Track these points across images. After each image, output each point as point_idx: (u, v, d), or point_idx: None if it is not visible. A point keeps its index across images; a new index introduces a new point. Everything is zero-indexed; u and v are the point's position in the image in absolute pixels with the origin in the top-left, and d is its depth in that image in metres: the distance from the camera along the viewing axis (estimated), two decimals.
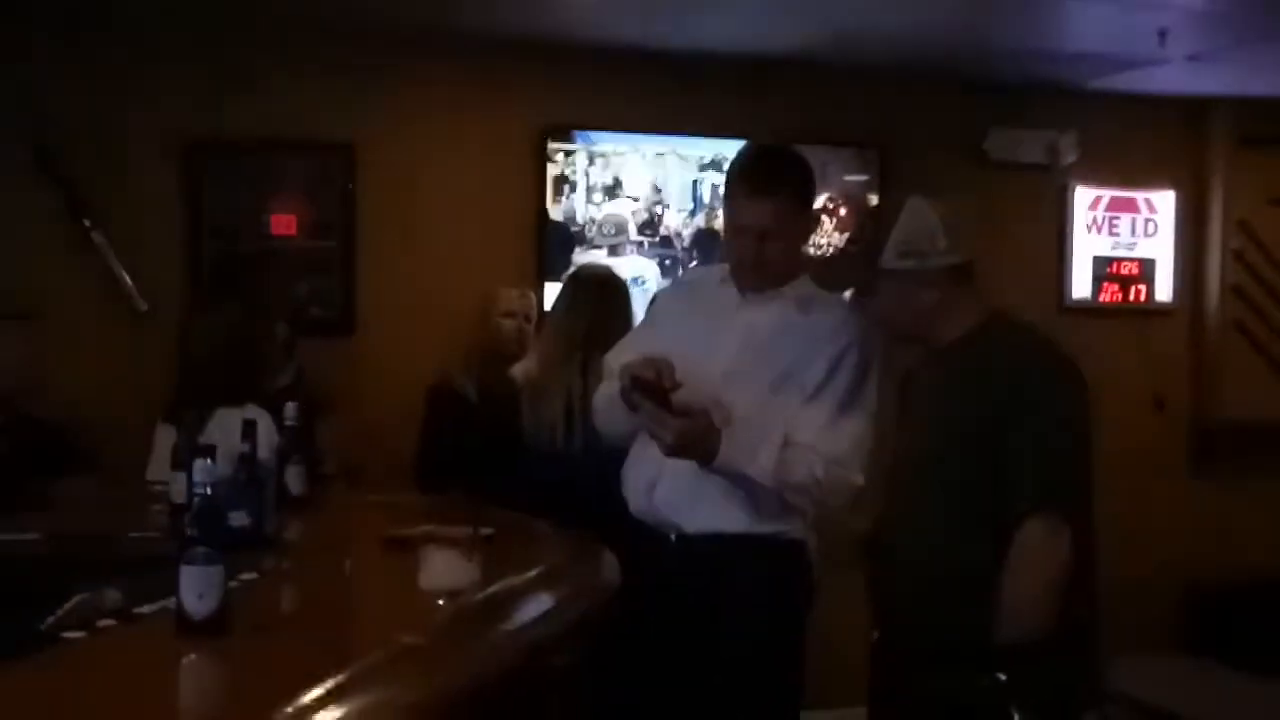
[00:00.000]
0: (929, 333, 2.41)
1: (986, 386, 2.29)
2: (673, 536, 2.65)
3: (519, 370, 3.39)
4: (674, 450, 2.48)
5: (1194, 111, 5.36)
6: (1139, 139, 5.37)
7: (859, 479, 2.56)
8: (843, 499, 2.54)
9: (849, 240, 2.45)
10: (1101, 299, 5.35)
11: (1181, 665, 4.70)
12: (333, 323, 4.56)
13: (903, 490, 2.43)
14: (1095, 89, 5.15)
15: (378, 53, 4.50)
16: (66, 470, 3.37)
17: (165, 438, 3.12)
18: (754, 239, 2.59)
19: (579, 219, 4.73)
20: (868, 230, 5.00)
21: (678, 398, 2.50)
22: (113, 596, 1.87)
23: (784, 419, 2.59)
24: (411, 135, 4.62)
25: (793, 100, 4.96)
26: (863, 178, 5.00)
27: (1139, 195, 5.39)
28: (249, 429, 2.42)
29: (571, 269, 4.03)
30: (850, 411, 2.59)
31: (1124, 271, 5.37)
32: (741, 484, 2.54)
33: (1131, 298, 5.38)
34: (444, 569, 1.83)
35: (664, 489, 2.64)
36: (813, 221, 2.70)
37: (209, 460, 1.70)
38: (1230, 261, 5.34)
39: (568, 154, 4.73)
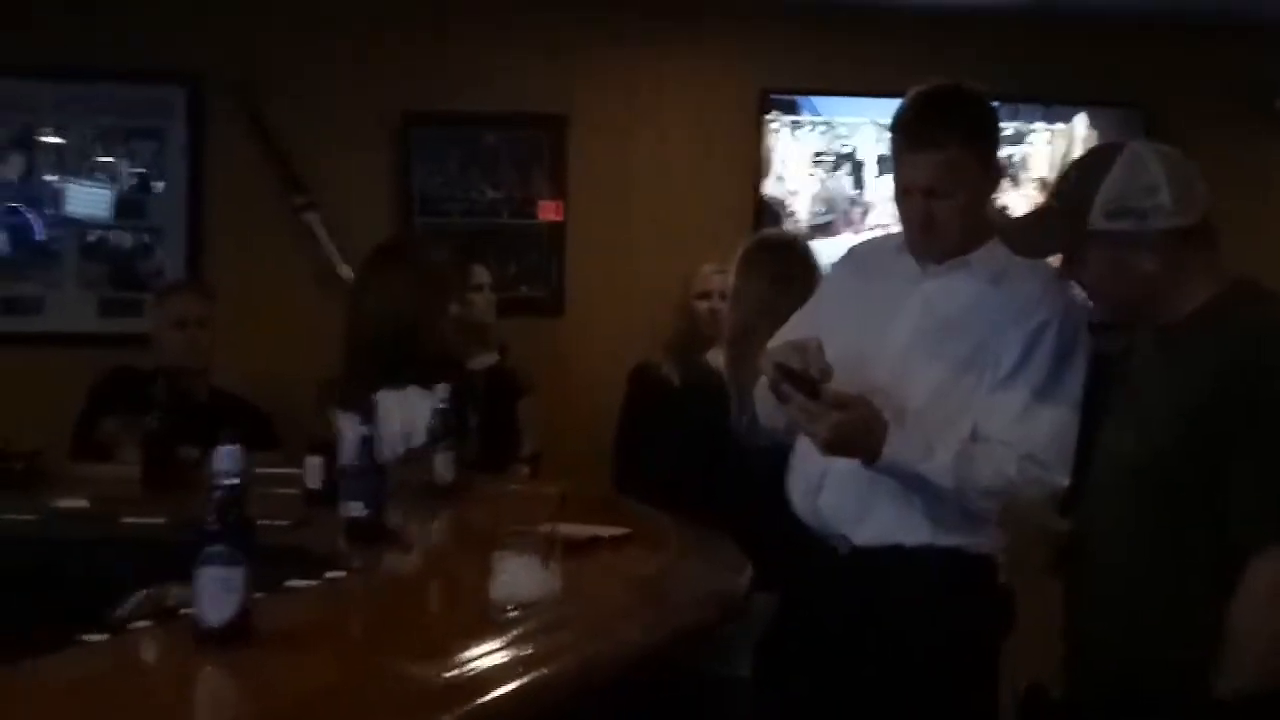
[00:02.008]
0: (1149, 308, 1.97)
1: (1215, 376, 1.84)
2: (842, 548, 2.32)
3: (714, 356, 3.11)
4: (830, 448, 2.15)
5: None
6: None
7: (1062, 479, 2.15)
8: (1048, 503, 2.14)
9: (1056, 194, 2.01)
10: None
11: None
12: (542, 302, 4.41)
13: (1104, 497, 2.01)
14: None
15: (590, 22, 4.31)
16: (254, 447, 3.32)
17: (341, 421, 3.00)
18: (920, 198, 2.22)
19: (795, 193, 4.40)
20: None
21: (838, 385, 2.17)
22: (177, 592, 1.72)
23: (970, 408, 2.22)
24: (624, 107, 4.42)
25: (1044, 56, 4.48)
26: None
27: None
28: (367, 412, 2.25)
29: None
30: (1050, 399, 2.19)
31: None
32: (917, 486, 2.18)
33: None
34: (515, 578, 1.59)
35: (830, 493, 2.31)
36: (996, 176, 2.29)
37: (237, 446, 1.51)
38: None
39: (788, 123, 4.41)
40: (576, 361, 4.39)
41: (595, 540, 2.09)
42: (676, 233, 4.37)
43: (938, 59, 4.40)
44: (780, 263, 2.98)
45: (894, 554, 2.24)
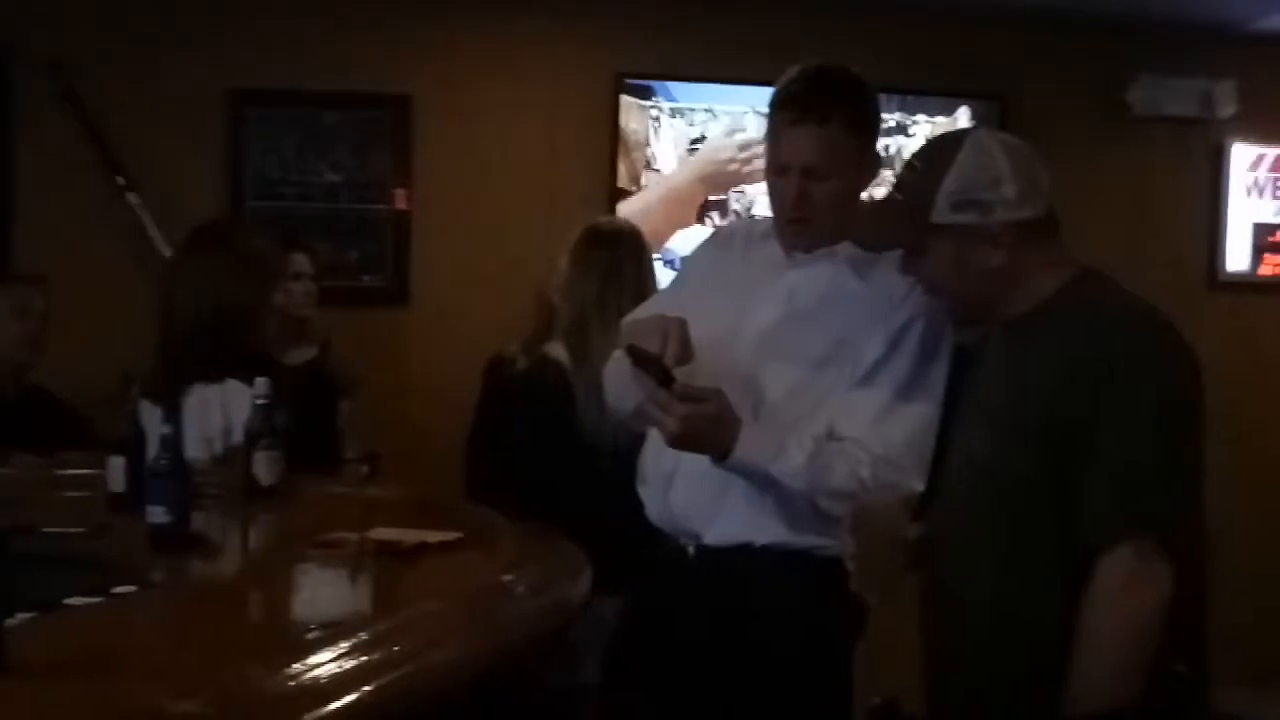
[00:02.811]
0: (994, 304, 1.88)
1: (1060, 371, 1.74)
2: (691, 548, 2.18)
3: (554, 347, 2.94)
4: (678, 441, 2.02)
5: None
6: None
7: (917, 483, 2.05)
8: (901, 507, 2.03)
9: (898, 185, 1.90)
10: (1262, 273, 4.67)
11: None
12: (385, 292, 4.19)
13: (954, 501, 1.90)
14: (1258, 30, 4.47)
15: None
16: (69, 444, 3.05)
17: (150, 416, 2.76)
18: (797, 178, 2.10)
19: (653, 181, 4.27)
20: None
21: (690, 376, 2.03)
22: None
23: (828, 406, 2.10)
24: (472, 88, 4.22)
25: (897, 46, 4.41)
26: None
27: None
28: (171, 409, 2.03)
29: None
30: (911, 399, 2.09)
31: None
32: (768, 486, 2.06)
33: None
34: (317, 593, 1.40)
35: (681, 490, 2.17)
36: (875, 164, 2.17)
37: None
38: None
39: (643, 109, 4.27)
40: (423, 355, 4.19)
41: (422, 546, 1.90)
42: (528, 220, 4.19)
43: (795, 46, 4.28)
44: (610, 254, 2.87)
45: (744, 554, 2.12)
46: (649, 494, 2.24)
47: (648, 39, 4.26)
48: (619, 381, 2.19)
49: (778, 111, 2.13)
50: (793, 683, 2.11)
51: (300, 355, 3.47)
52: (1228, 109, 4.55)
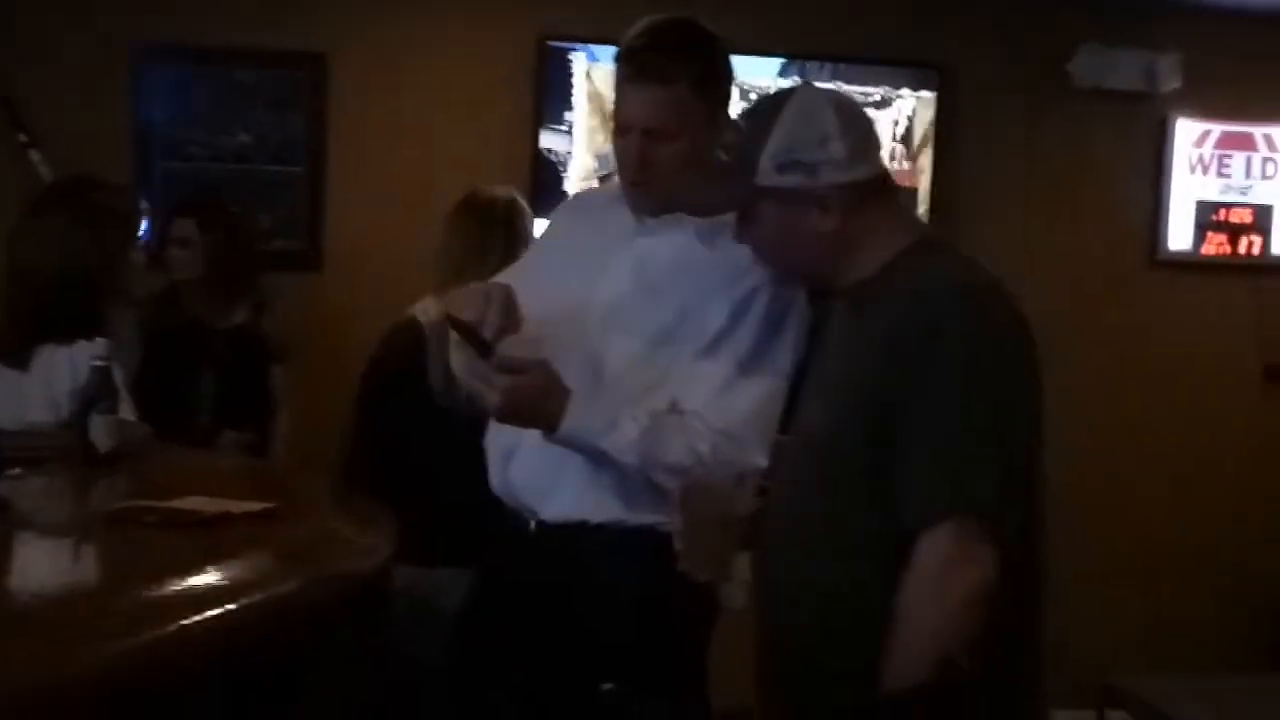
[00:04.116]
0: (829, 272, 1.78)
1: (886, 342, 1.65)
2: (532, 524, 2.09)
3: (421, 309, 2.85)
4: (502, 415, 1.92)
5: None
6: (1256, 62, 4.52)
7: (758, 459, 1.96)
8: (735, 484, 1.93)
9: (724, 146, 1.79)
10: (1205, 251, 4.56)
11: (1265, 688, 3.93)
12: (299, 256, 4.09)
13: (787, 477, 1.81)
14: (1204, 2, 4.35)
15: None
16: None
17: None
18: (639, 139, 2.00)
19: (575, 147, 4.15)
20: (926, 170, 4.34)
21: (538, 347, 1.95)
22: None
23: (671, 377, 2.01)
24: (391, 48, 4.10)
25: (834, 13, 4.30)
26: (884, 101, 4.32)
27: (1255, 130, 4.56)
28: None
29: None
30: (754, 372, 1.99)
31: (1234, 219, 4.56)
32: (601, 461, 1.96)
33: (1242, 250, 4.57)
34: (31, 563, 1.30)
35: (521, 463, 2.08)
36: (723, 121, 2.06)
37: None
38: None
39: (567, 71, 4.15)
40: (337, 321, 4.08)
41: (225, 517, 1.81)
42: (449, 186, 4.02)
43: (729, 10, 4.19)
44: (481, 224, 2.79)
45: (580, 532, 2.03)
46: (491, 468, 2.15)
47: (574, 1, 4.14)
48: (459, 356, 2.09)
49: (620, 68, 2.03)
50: (631, 662, 2.03)
51: (232, 319, 3.41)
52: (1172, 83, 4.43)
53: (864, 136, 1.74)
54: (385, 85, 4.10)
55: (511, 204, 2.90)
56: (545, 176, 4.11)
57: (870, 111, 4.27)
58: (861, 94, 4.28)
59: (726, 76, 2.07)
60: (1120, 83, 4.44)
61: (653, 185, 2.02)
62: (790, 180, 1.69)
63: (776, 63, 4.22)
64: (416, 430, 2.59)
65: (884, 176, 1.77)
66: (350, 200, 4.10)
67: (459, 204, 2.93)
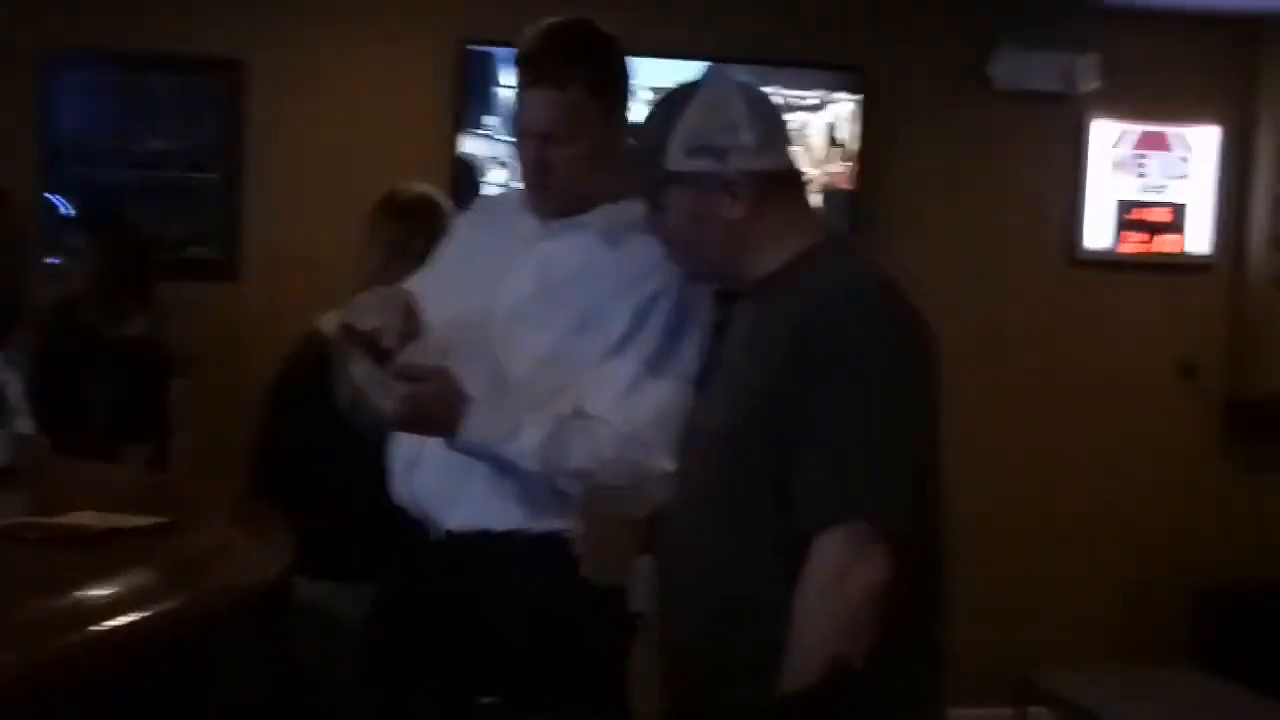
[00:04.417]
0: (736, 265, 1.77)
1: (786, 341, 1.65)
2: (435, 535, 2.06)
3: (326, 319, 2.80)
4: (400, 423, 1.90)
5: (1241, 31, 4.58)
6: (1173, 64, 4.59)
7: (664, 462, 1.93)
8: (642, 489, 1.92)
9: (635, 134, 1.78)
10: (1123, 250, 4.61)
11: (1181, 681, 3.99)
12: (214, 266, 4.03)
13: (689, 480, 1.80)
14: (1119, 3, 4.40)
15: None
16: None
17: None
18: (536, 142, 1.99)
19: (499, 151, 4.12)
20: (849, 171, 4.36)
21: (442, 353, 1.92)
22: None
23: (576, 381, 1.99)
24: (309, 53, 4.05)
25: (752, 16, 4.31)
26: (821, 105, 4.34)
27: (1171, 130, 4.62)
28: None
29: None
30: (658, 374, 1.97)
31: (1151, 218, 4.62)
32: (503, 468, 1.94)
33: (1159, 249, 4.63)
34: None
35: (426, 471, 2.05)
36: (622, 123, 2.05)
37: None
38: (1276, 208, 4.56)
39: (488, 75, 4.12)
40: (253, 332, 4.02)
41: (113, 532, 1.77)
42: (368, 190, 4.00)
43: (651, 13, 4.19)
44: (401, 226, 2.73)
45: (484, 541, 2.00)
46: (395, 476, 2.12)
47: (494, 4, 4.11)
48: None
49: (517, 73, 2.01)
50: (539, 671, 2.00)
51: (126, 329, 3.35)
52: (1090, 83, 4.48)
53: (773, 128, 1.74)
54: (303, 90, 4.05)
55: (432, 202, 2.84)
56: (466, 181, 4.08)
57: (804, 115, 4.35)
58: (797, 97, 4.31)
59: (624, 77, 2.06)
60: (1039, 84, 4.48)
61: (550, 187, 2.01)
62: (699, 165, 1.69)
63: (699, 66, 4.19)
64: (320, 444, 2.53)
65: (792, 172, 1.77)
66: (268, 208, 4.05)
67: (378, 203, 2.87)
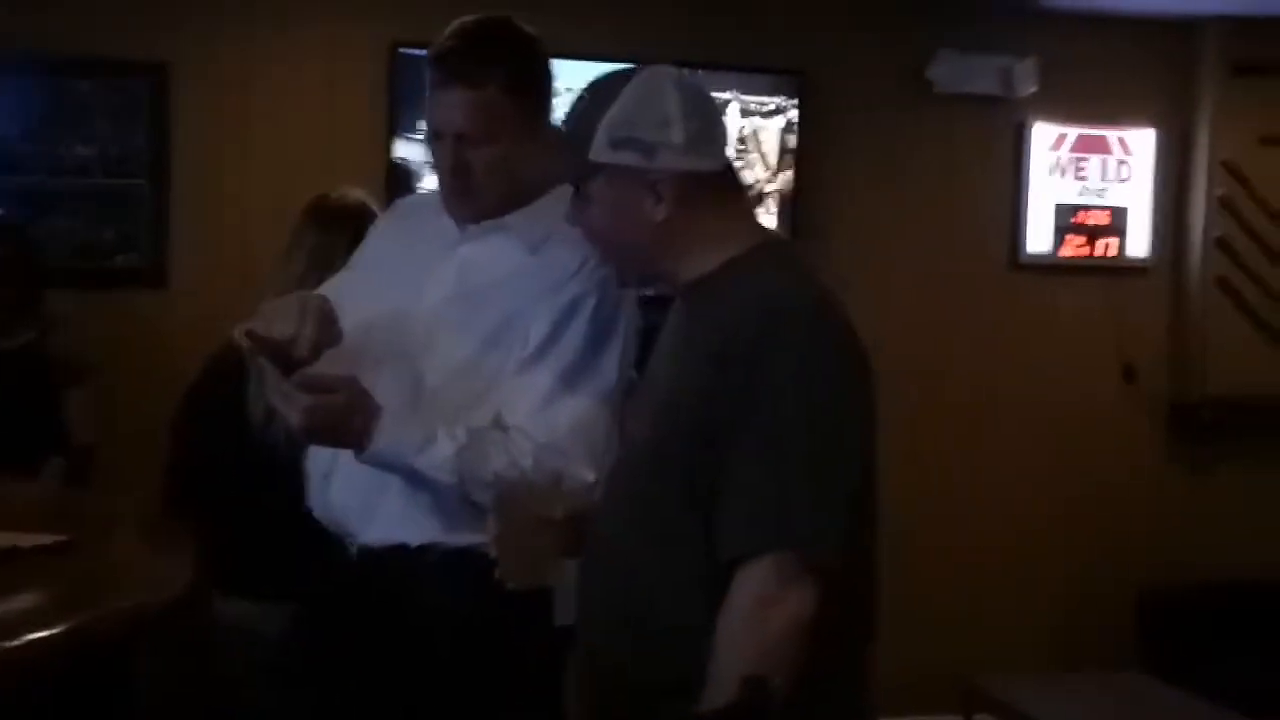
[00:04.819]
0: (659, 265, 1.71)
1: (712, 355, 1.56)
2: (354, 549, 2.00)
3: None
4: (306, 434, 1.83)
5: (1179, 34, 4.59)
6: (1110, 67, 4.60)
7: (585, 473, 1.88)
8: (552, 485, 1.86)
9: (566, 118, 1.71)
10: (1063, 254, 4.61)
11: (1127, 685, 3.98)
12: (141, 273, 3.93)
13: (613, 490, 1.73)
14: (1057, 6, 4.40)
15: None
16: None
17: None
18: (452, 144, 1.93)
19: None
20: (766, 175, 4.33)
21: (358, 360, 1.86)
22: None
23: (495, 390, 1.93)
24: (238, 55, 3.97)
25: (690, 19, 4.27)
26: (777, 110, 4.31)
27: (1110, 133, 4.63)
28: None
29: None
30: (579, 382, 1.93)
31: (1091, 222, 4.62)
32: (418, 480, 1.88)
33: (1100, 252, 4.63)
34: None
35: (341, 484, 1.99)
36: (543, 124, 1.99)
37: None
38: (1215, 210, 4.58)
39: (421, 79, 4.04)
40: (183, 341, 3.92)
41: (11, 552, 1.69)
42: (300, 196, 3.90)
43: (588, 16, 4.14)
44: (326, 233, 2.65)
45: (400, 555, 1.94)
46: (310, 490, 2.05)
47: (426, 6, 4.04)
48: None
49: (429, 71, 1.95)
50: (462, 688, 1.94)
51: (13, 340, 3.23)
52: (1028, 87, 4.48)
53: (707, 127, 1.63)
54: (232, 94, 3.97)
55: (362, 208, 2.77)
56: (401, 186, 4.01)
57: (759, 120, 4.30)
58: (757, 104, 4.28)
59: (542, 75, 2.00)
60: (978, 87, 4.48)
61: (469, 191, 1.95)
62: (624, 158, 1.61)
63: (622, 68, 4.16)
64: (234, 457, 2.45)
65: (727, 174, 1.68)
66: (196, 214, 3.96)
67: (306, 208, 2.79)
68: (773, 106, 4.33)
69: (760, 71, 4.32)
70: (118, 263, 3.89)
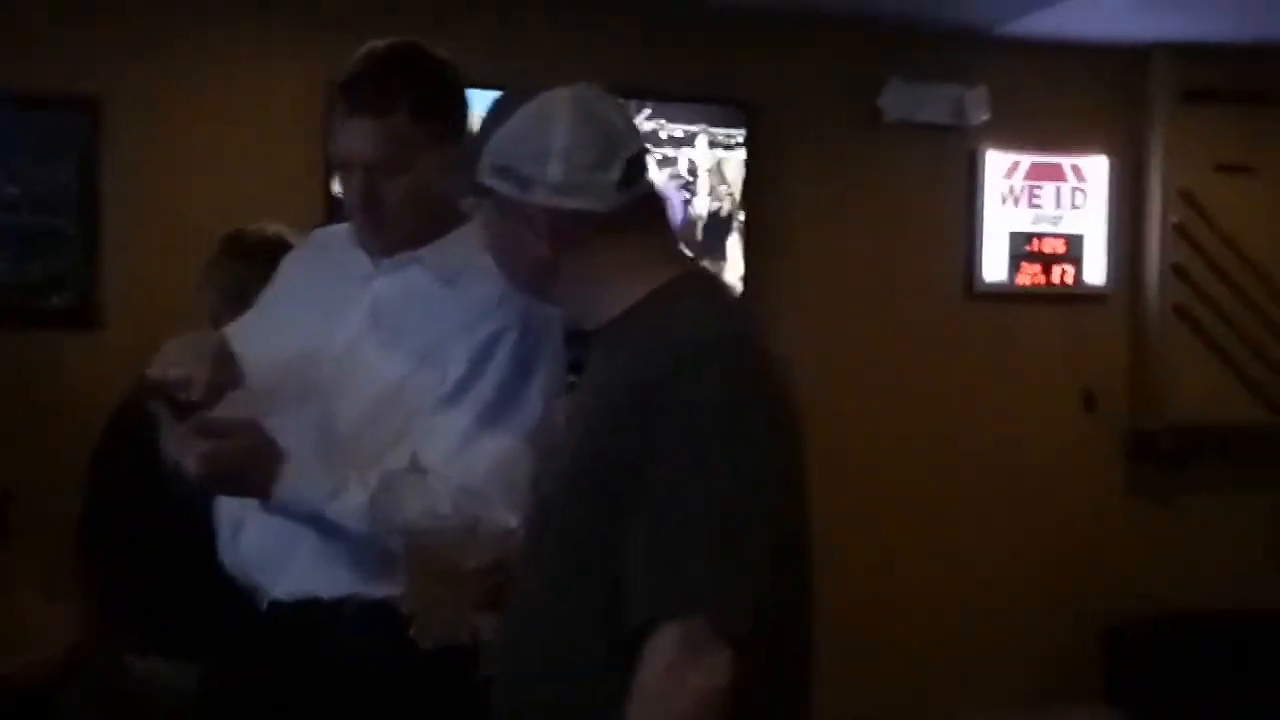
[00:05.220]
0: (563, 305, 1.61)
1: (618, 403, 1.44)
2: (261, 604, 1.88)
3: None
4: (206, 482, 1.72)
5: (1130, 61, 4.56)
6: (1062, 95, 4.57)
7: (507, 517, 1.77)
8: (465, 534, 1.75)
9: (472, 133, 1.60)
10: (1019, 282, 4.55)
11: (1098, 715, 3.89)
12: (73, 314, 3.81)
13: (528, 539, 1.61)
14: (1007, 34, 4.36)
15: None
16: None
17: None
18: (361, 174, 1.84)
19: None
20: (732, 206, 4.26)
21: (269, 402, 1.76)
22: None
23: (411, 431, 1.83)
24: (173, 90, 3.87)
25: (638, 49, 4.21)
26: (726, 141, 4.24)
27: (1064, 160, 4.58)
28: None
29: None
30: (499, 422, 1.83)
31: (1047, 250, 4.57)
32: (329, 530, 1.77)
33: (1056, 280, 4.58)
34: None
35: (253, 534, 1.88)
36: (456, 152, 1.89)
37: None
38: (1172, 238, 4.53)
39: None
40: (117, 383, 3.79)
41: None
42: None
43: (530, 47, 4.07)
44: (239, 269, 2.54)
45: (313, 608, 1.82)
46: (220, 541, 1.94)
47: (359, 41, 3.95)
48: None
49: (339, 100, 1.86)
50: None
51: None
52: (980, 115, 4.43)
53: (599, 165, 1.48)
54: (166, 128, 3.87)
55: (279, 243, 2.66)
56: (341, 222, 3.90)
57: (721, 153, 4.22)
58: (725, 136, 4.21)
59: (453, 100, 1.90)
60: (930, 116, 4.43)
61: (381, 223, 1.86)
62: (503, 186, 1.51)
63: None
64: (142, 509, 2.33)
65: (635, 210, 1.52)
66: (129, 253, 3.84)
67: (220, 244, 2.68)
68: (740, 139, 4.26)
69: (707, 102, 4.26)
70: (50, 303, 3.77)
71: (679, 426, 1.38)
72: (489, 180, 1.50)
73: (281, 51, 3.95)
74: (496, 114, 1.52)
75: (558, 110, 1.49)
